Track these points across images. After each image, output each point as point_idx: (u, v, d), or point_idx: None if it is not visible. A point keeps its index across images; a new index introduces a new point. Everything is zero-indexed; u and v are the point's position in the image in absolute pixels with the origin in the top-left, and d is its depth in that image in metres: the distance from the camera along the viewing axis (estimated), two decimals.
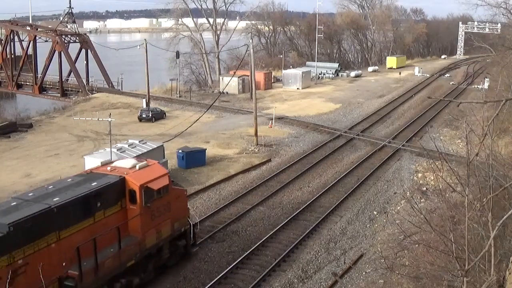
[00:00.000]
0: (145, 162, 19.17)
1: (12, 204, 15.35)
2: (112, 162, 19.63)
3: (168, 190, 18.83)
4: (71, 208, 15.59)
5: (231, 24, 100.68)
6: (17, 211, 14.72)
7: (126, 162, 18.91)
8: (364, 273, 19.39)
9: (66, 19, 71.36)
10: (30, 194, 16.25)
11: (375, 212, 25.74)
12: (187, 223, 20.36)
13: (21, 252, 14.07)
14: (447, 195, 14.73)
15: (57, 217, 15.03)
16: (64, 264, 15.24)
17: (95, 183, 16.88)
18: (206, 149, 33.97)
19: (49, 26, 79.89)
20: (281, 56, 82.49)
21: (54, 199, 15.45)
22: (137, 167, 18.31)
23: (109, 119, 26.95)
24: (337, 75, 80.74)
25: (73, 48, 70.25)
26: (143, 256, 17.94)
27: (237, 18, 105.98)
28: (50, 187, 16.85)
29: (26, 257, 14.18)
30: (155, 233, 18.41)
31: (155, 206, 18.15)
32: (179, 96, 60.84)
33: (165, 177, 18.80)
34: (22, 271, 14.08)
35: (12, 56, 72.90)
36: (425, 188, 28.26)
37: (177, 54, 66.35)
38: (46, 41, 69.99)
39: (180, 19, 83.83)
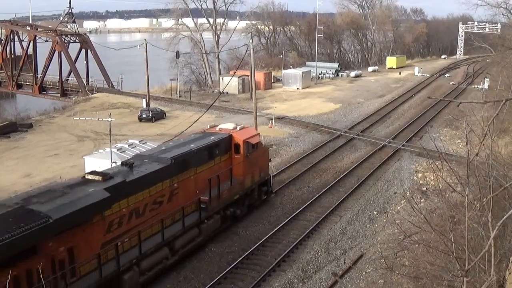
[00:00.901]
0: (243, 125, 25.72)
1: (162, 148, 21.50)
2: (217, 125, 25.57)
3: (258, 146, 25.03)
4: (203, 152, 21.51)
5: (231, 24, 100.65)
6: (171, 151, 20.47)
7: (229, 125, 25.21)
8: (364, 273, 19.36)
9: (66, 19, 71.42)
10: (170, 143, 22.81)
11: (375, 212, 25.72)
12: (268, 174, 26.40)
13: (176, 178, 19.60)
14: (447, 195, 14.72)
15: (195, 157, 20.77)
16: (197, 191, 20.86)
17: (213, 138, 22.88)
18: None
19: (49, 26, 79.87)
20: (281, 56, 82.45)
21: (191, 146, 21.35)
22: (238, 128, 24.61)
23: (109, 119, 26.95)
24: (337, 75, 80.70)
25: (73, 48, 70.26)
26: (243, 194, 23.92)
27: (237, 18, 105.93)
28: (181, 140, 23.20)
29: (178, 182, 19.74)
30: (250, 177, 24.44)
31: (251, 157, 24.16)
32: (179, 96, 60.84)
33: (257, 136, 25.50)
34: (176, 192, 19.65)
35: (12, 56, 72.95)
36: (425, 188, 28.22)
37: (177, 54, 66.33)
38: (46, 41, 70.01)
39: (180, 19, 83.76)
